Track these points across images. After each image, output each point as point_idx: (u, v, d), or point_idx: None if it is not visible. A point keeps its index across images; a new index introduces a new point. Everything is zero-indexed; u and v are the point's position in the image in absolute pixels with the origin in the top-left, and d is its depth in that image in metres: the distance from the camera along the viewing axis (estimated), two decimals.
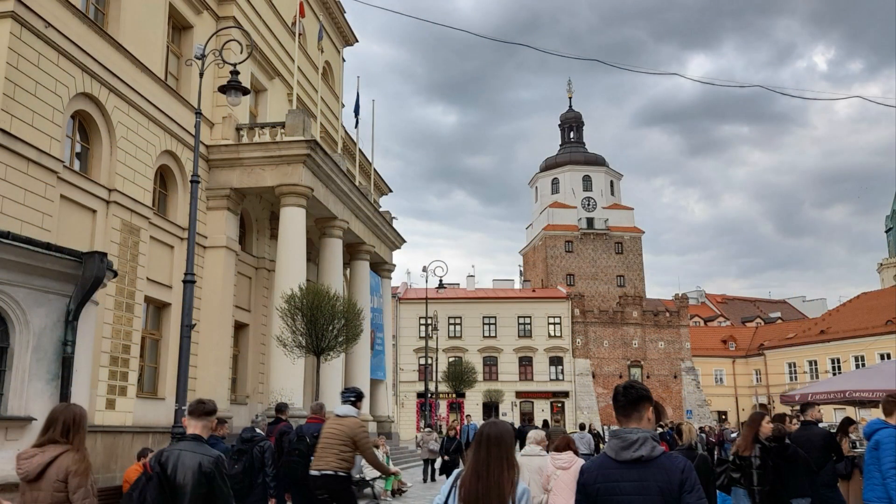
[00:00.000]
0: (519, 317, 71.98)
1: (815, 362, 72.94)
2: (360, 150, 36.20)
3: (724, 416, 69.42)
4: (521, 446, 13.03)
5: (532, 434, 9.62)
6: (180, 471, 5.34)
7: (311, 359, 22.45)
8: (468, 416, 44.23)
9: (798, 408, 15.52)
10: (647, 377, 70.78)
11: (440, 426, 49.53)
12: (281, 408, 13.96)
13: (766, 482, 8.67)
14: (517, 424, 48.36)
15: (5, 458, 10.03)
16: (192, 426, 5.66)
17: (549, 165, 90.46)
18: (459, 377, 50.60)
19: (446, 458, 23.41)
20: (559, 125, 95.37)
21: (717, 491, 9.25)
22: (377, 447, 18.63)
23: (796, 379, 72.73)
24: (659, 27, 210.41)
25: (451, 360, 64.33)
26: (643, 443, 4.06)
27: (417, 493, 21.41)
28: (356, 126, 33.98)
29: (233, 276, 24.30)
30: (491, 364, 71.04)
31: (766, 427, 8.94)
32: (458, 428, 26.27)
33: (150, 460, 5.58)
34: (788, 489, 8.79)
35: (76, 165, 18.60)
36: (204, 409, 5.71)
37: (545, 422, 45.45)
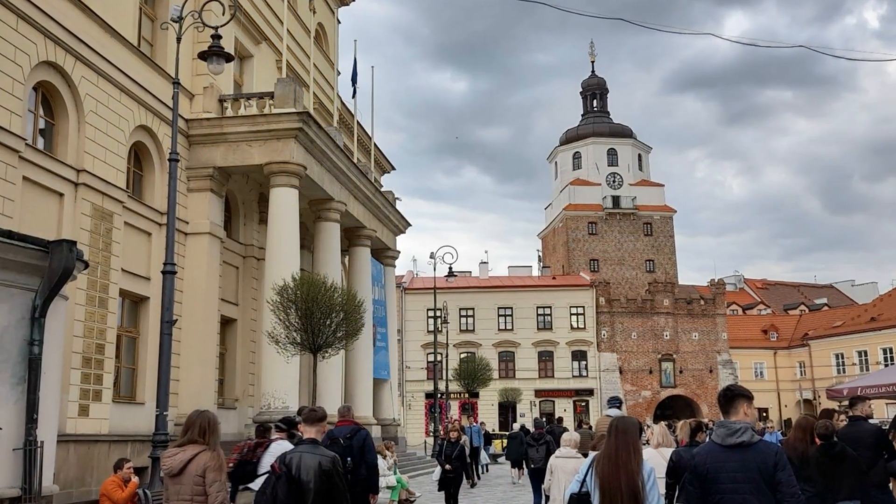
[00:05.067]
0: (538, 307, 71.97)
1: (866, 353, 73.01)
2: (358, 122, 36.04)
3: (764, 414, 69.42)
4: (557, 446, 12.98)
5: (566, 436, 10.12)
6: (303, 470, 7.00)
7: (306, 357, 22.39)
8: (482, 422, 44.10)
9: (846, 403, 15.64)
10: (680, 372, 70.79)
11: (449, 428, 49.55)
12: (290, 422, 13.73)
13: (813, 483, 8.79)
14: (542, 425, 48.17)
15: None
16: (307, 432, 7.57)
17: (569, 138, 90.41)
18: (472, 375, 50.48)
19: (448, 467, 18.97)
20: (581, 93, 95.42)
21: None
22: (383, 454, 18.51)
23: (844, 371, 72.98)
24: None
25: (462, 356, 64.29)
26: (744, 431, 5.71)
27: (428, 503, 21.35)
28: (354, 96, 33.84)
29: (218, 265, 24.20)
30: (507, 360, 71.11)
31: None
32: (461, 430, 25.93)
33: (277, 462, 7.26)
34: (836, 491, 8.87)
35: (40, 143, 18.46)
36: (316, 417, 7.64)
37: (580, 422, 45.22)
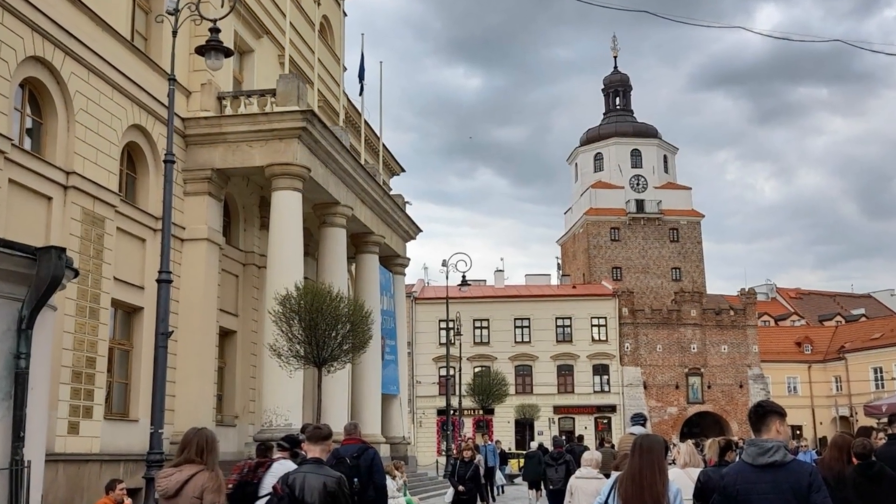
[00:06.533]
0: (557, 318, 71.80)
1: None
2: (365, 121, 36.04)
3: (798, 432, 69.04)
4: (577, 466, 12.99)
5: (587, 456, 10.26)
6: (307, 491, 7.07)
7: (310, 371, 22.35)
8: (497, 441, 43.91)
9: (885, 420, 15.75)
10: (708, 387, 70.54)
11: (462, 446, 49.51)
12: (293, 440, 13.71)
13: None
14: (561, 443, 48.01)
15: None
16: (312, 451, 7.72)
17: (590, 138, 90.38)
18: (487, 390, 50.51)
19: (461, 488, 19.57)
20: (602, 90, 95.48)
21: None
22: (392, 475, 18.45)
23: (883, 386, 72.68)
24: None
25: (476, 370, 64.30)
26: (777, 450, 5.71)
27: None
28: (361, 93, 33.96)
29: (216, 273, 24.21)
30: (524, 374, 70.97)
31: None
32: (475, 448, 25.87)
33: (279, 483, 7.37)
34: None
35: (27, 144, 18.52)
36: (320, 435, 7.86)
37: (602, 440, 45.25)
